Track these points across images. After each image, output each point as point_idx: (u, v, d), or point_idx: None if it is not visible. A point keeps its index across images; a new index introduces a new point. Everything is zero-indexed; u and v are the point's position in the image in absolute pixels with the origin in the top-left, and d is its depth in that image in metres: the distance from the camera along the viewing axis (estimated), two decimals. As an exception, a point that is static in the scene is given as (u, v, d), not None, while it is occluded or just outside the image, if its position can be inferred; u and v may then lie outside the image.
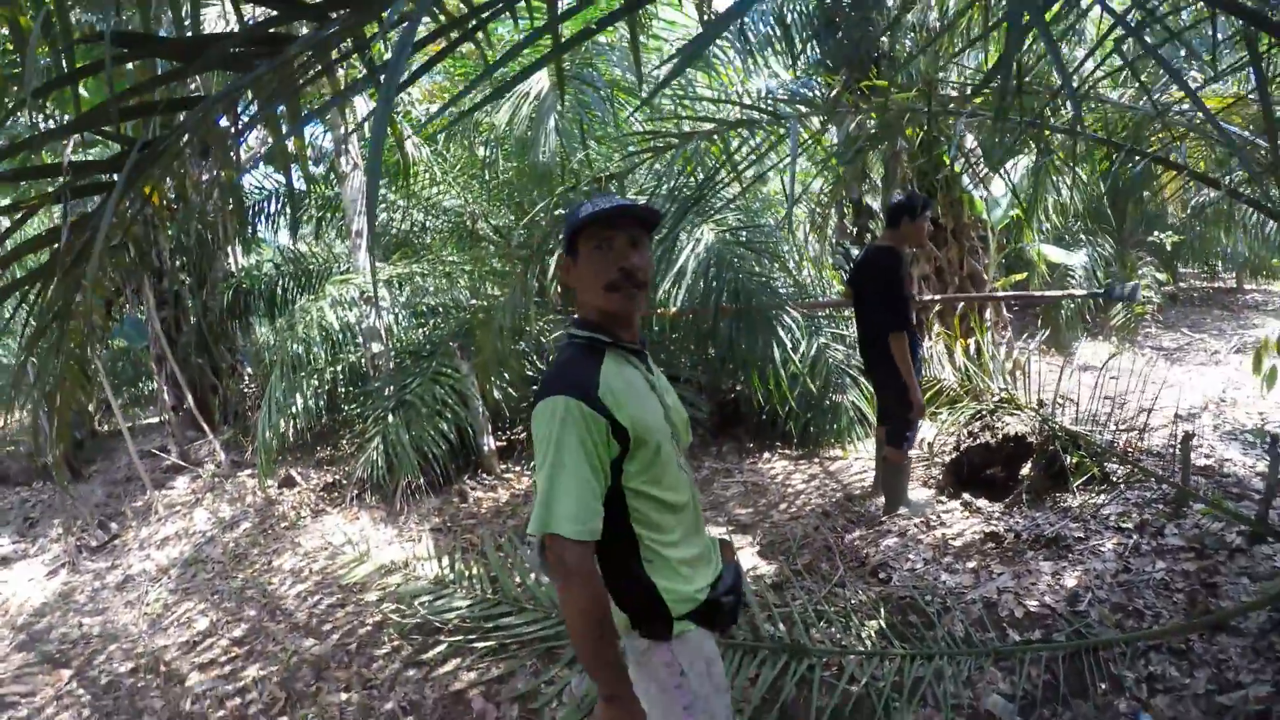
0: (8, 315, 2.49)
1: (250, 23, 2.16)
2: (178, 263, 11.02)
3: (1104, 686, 3.29)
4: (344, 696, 4.38)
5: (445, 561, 5.56)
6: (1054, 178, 7.10)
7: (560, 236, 2.09)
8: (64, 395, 3.74)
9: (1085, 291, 10.29)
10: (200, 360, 10.98)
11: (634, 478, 1.98)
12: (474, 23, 1.84)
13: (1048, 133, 4.16)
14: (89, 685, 5.14)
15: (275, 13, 2.00)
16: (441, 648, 4.61)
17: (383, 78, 1.42)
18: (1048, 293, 10.05)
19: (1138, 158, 3.90)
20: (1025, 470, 5.46)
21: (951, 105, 4.53)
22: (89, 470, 10.58)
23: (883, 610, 4.15)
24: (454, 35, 1.89)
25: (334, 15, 1.95)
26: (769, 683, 3.66)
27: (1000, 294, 8.16)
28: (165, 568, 6.94)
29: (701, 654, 2.07)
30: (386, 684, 4.42)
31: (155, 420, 12.47)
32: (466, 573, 5.33)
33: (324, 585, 5.97)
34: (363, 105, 8.46)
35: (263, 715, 4.37)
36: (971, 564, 4.54)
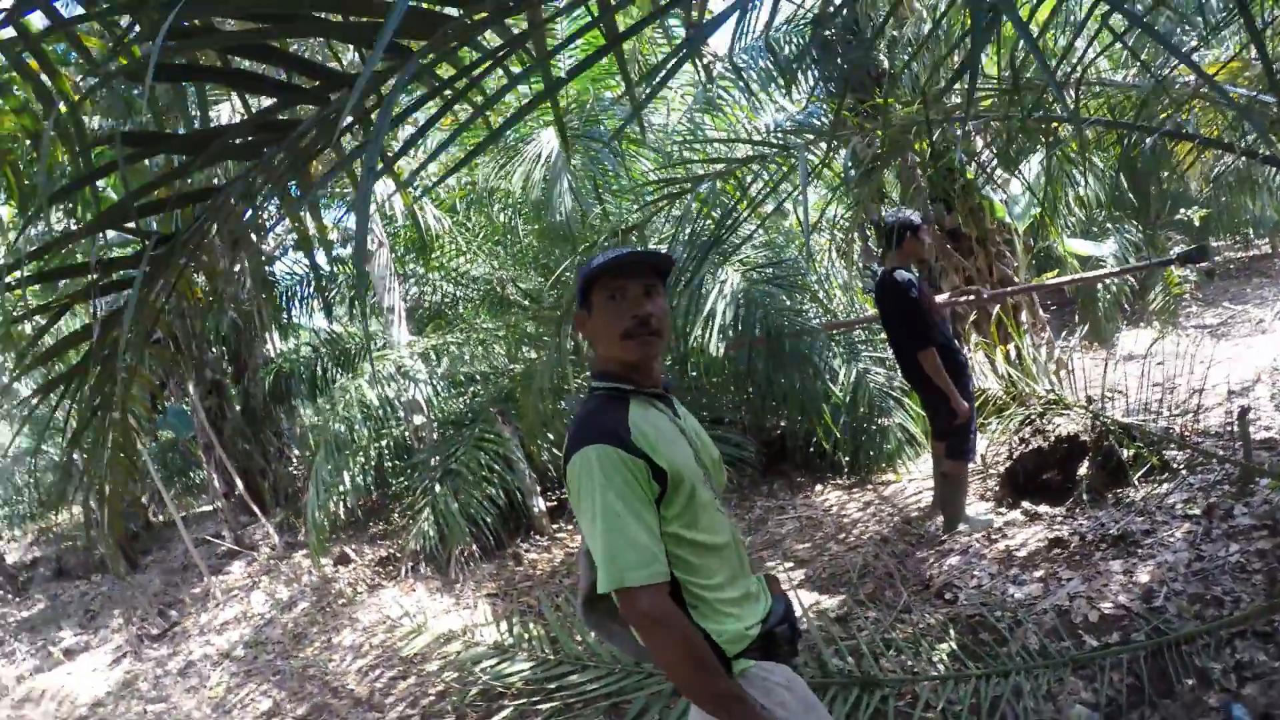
0: (51, 412, 2.52)
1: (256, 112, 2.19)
2: (217, 352, 11.22)
3: (1190, 682, 3.16)
4: (410, 769, 4.35)
5: (504, 625, 5.52)
6: (1069, 170, 7.03)
7: (578, 288, 2.06)
8: (113, 487, 3.78)
9: (1151, 261, 10.14)
10: (247, 446, 11.15)
11: (672, 522, 1.93)
12: (466, 81, 1.84)
13: (1054, 124, 4.12)
14: None
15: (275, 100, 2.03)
16: (506, 712, 4.54)
17: (371, 142, 1.42)
18: (1103, 271, 9.81)
19: (1149, 135, 3.84)
20: (1082, 470, 5.34)
21: (956, 113, 4.49)
22: (146, 561, 10.73)
23: (952, 631, 4.05)
24: (448, 94, 1.90)
25: (332, 97, 1.97)
26: (841, 718, 3.57)
27: (1057, 280, 7.98)
28: (226, 652, 6.98)
29: (773, 682, 1.98)
30: (453, 753, 4.37)
31: (208, 508, 12.63)
32: (526, 635, 5.28)
33: (384, 659, 5.96)
34: (381, 186, 8.57)
35: (329, 792, 4.36)
36: (1039, 573, 4.43)
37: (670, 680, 1.89)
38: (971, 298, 6.42)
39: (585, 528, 1.87)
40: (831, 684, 3.79)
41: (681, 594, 1.95)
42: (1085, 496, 5.15)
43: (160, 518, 12.91)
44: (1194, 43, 6.03)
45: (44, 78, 2.46)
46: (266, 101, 2.07)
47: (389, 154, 2.19)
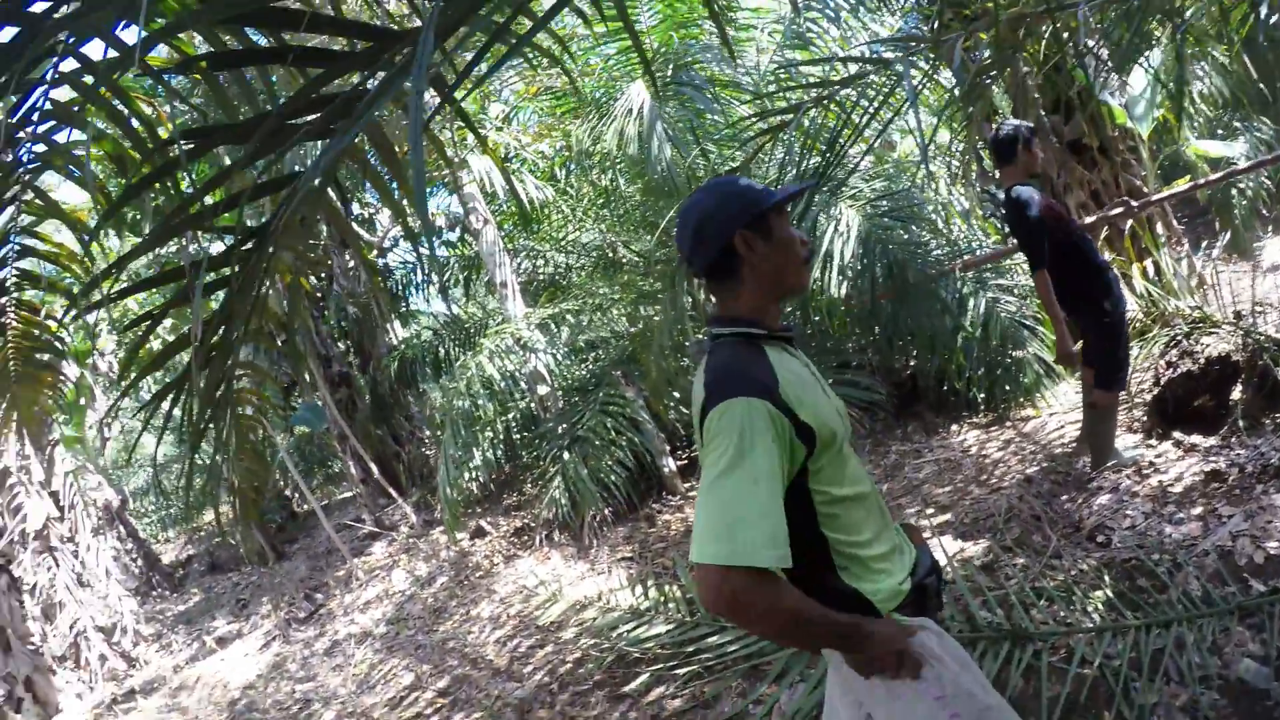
0: (166, 418, 2.54)
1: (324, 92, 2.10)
2: (342, 346, 11.53)
3: (1375, 628, 2.88)
4: (550, 735, 4.35)
5: (639, 590, 5.50)
6: (1196, 63, 6.49)
7: (738, 211, 1.85)
8: (244, 481, 3.86)
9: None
10: (379, 432, 11.45)
11: (819, 479, 1.78)
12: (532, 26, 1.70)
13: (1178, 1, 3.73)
14: None
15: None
16: (644, 677, 4.50)
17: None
18: (1248, 164, 9.03)
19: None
20: (1236, 394, 4.92)
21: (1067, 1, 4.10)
22: (291, 549, 11.16)
23: (1107, 578, 3.79)
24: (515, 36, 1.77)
25: (387, 56, 1.85)
26: (993, 676, 3.37)
27: (1201, 181, 7.37)
28: (369, 630, 7.17)
29: (934, 644, 1.84)
30: (592, 719, 4.35)
31: (348, 494, 13.07)
32: (662, 598, 5.24)
33: (522, 628, 6.02)
34: (478, 163, 8.56)
35: (468, 761, 4.40)
36: (1197, 510, 4.10)
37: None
38: (1121, 210, 6.03)
39: (704, 486, 1.66)
40: (980, 638, 3.61)
41: (831, 555, 1.81)
42: (1241, 423, 4.72)
43: (304, 507, 13.41)
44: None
45: (116, 104, 2.45)
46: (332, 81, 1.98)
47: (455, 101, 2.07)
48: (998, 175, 5.02)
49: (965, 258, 7.26)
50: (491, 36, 1.77)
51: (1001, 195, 4.98)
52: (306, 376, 11.08)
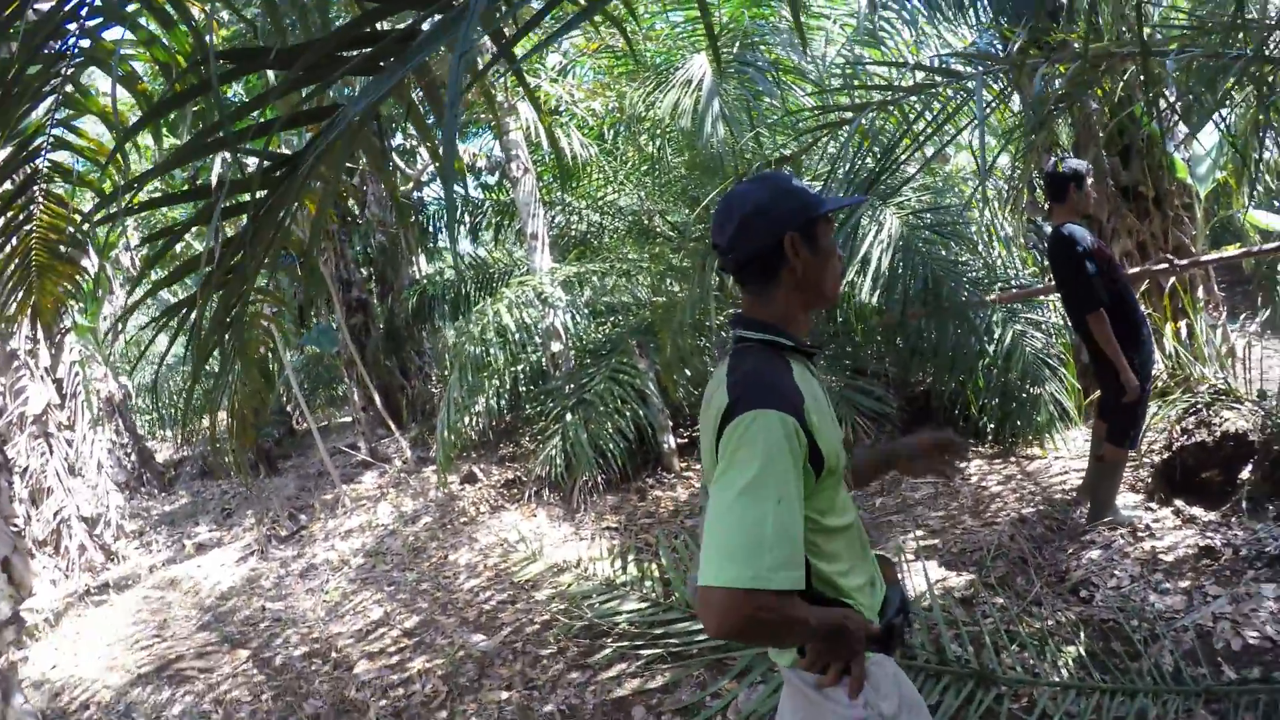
0: (177, 329, 2.51)
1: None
2: (365, 272, 11.51)
3: (1330, 738, 2.81)
4: (504, 695, 4.37)
5: (619, 563, 5.50)
6: (1271, 129, 6.33)
7: (790, 211, 1.77)
8: (244, 404, 3.84)
9: None
10: (389, 363, 11.45)
11: (812, 505, 1.70)
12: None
13: (1268, 68, 3.61)
14: (263, 666, 5.37)
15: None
16: (607, 652, 4.52)
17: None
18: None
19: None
20: (1245, 474, 4.84)
21: (1155, 47, 3.98)
22: (285, 465, 11.19)
23: (1082, 634, 3.74)
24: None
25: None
26: (950, 712, 3.35)
27: (1255, 250, 7.22)
28: (346, 558, 7.19)
29: (886, 678, 1.82)
30: (548, 685, 4.37)
31: (348, 419, 13.09)
32: (640, 574, 5.25)
33: (496, 581, 6.03)
34: (527, 111, 8.48)
35: (422, 707, 4.40)
36: (1184, 583, 4.04)
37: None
38: (1164, 266, 5.92)
39: (723, 501, 1.57)
40: (947, 672, 3.59)
41: (812, 581, 1.73)
42: (1245, 504, 4.64)
43: (304, 426, 13.46)
44: None
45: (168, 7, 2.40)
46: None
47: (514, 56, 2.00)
48: (1047, 209, 4.93)
49: (1005, 291, 7.16)
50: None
51: (1048, 229, 4.89)
52: (326, 300, 11.12)
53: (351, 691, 4.74)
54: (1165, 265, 5.89)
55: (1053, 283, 5.13)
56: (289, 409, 13.23)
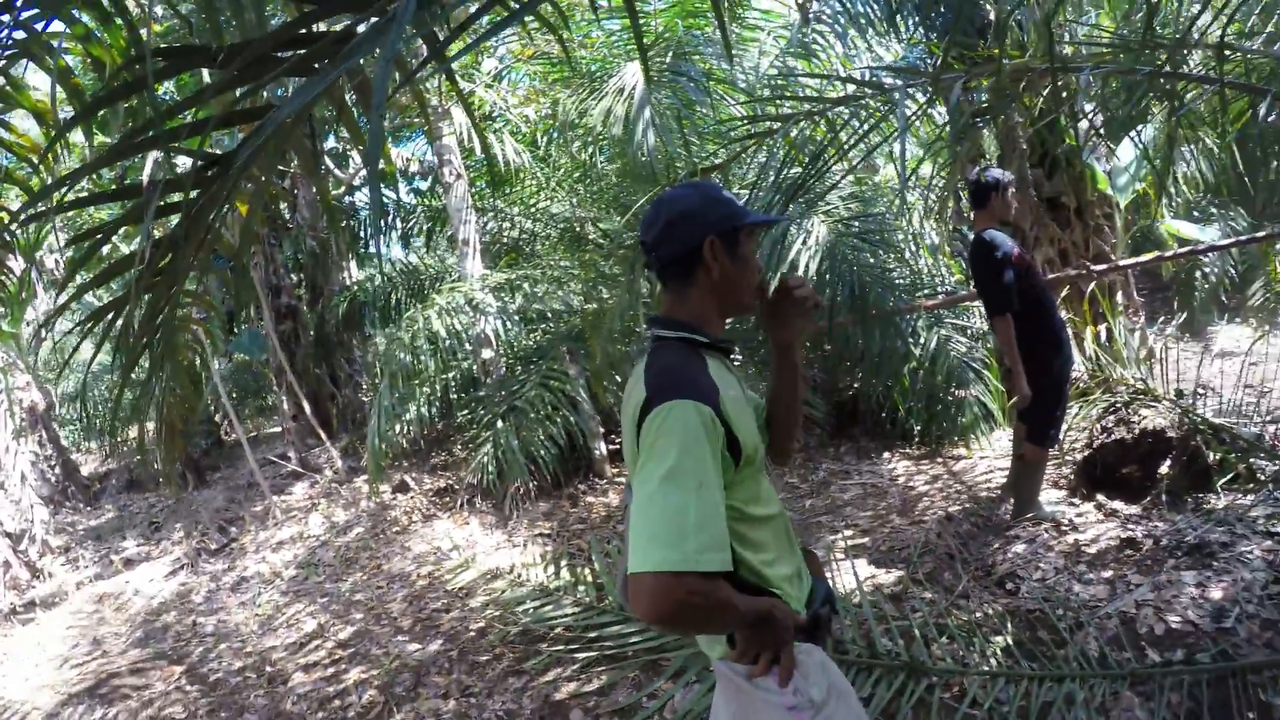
0: (105, 332, 2.45)
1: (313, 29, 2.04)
2: (294, 278, 11.33)
3: (1253, 716, 2.92)
4: (442, 703, 4.35)
5: (551, 569, 5.50)
6: (1185, 145, 6.58)
7: (717, 218, 1.83)
8: (172, 411, 3.76)
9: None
10: (319, 371, 11.28)
11: (734, 494, 1.77)
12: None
13: (1181, 84, 3.76)
14: (197, 681, 5.27)
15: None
16: (543, 656, 4.53)
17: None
18: (1209, 244, 9.19)
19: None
20: (1164, 469, 5.01)
21: (1071, 63, 4.13)
22: (214, 477, 10.96)
23: (1009, 625, 3.84)
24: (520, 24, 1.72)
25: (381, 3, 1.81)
26: (883, 704, 3.41)
27: (1163, 255, 7.46)
28: (278, 570, 7.08)
29: (814, 666, 1.87)
30: (485, 691, 4.36)
31: (277, 430, 12.87)
32: (573, 579, 5.27)
33: (430, 590, 6.00)
34: (460, 116, 8.46)
35: (360, 718, 4.36)
36: (1107, 574, 4.16)
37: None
38: (1079, 273, 6.10)
39: (646, 490, 1.62)
40: (878, 665, 3.66)
41: (739, 570, 1.80)
42: (1164, 498, 4.84)
43: (232, 435, 13.20)
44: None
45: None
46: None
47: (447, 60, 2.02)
48: (971, 217, 5.05)
49: (928, 300, 7.29)
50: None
51: (971, 236, 5.01)
52: (253, 307, 10.93)
53: (288, 704, 4.68)
54: (1082, 272, 6.07)
55: (975, 289, 5.26)
56: (216, 418, 12.96)
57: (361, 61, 1.87)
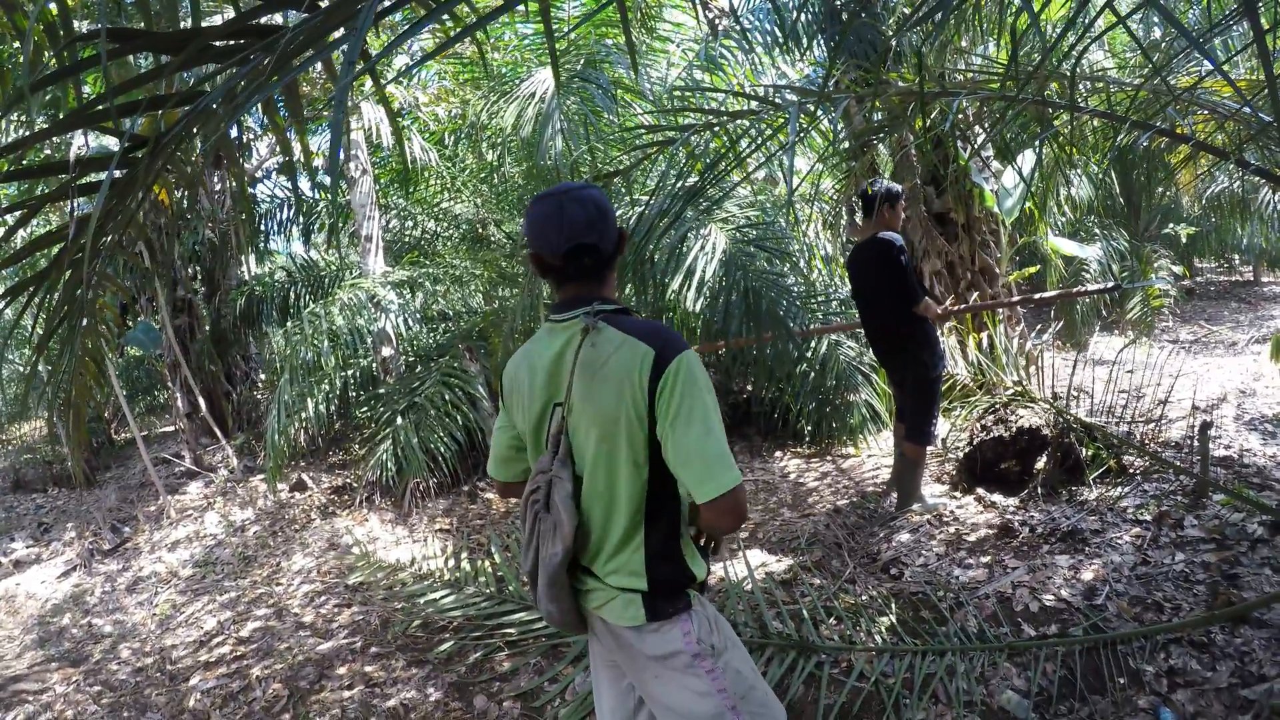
0: (17, 318, 2.45)
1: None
2: (191, 270, 11.07)
3: (1123, 681, 3.18)
4: (346, 694, 4.35)
5: (452, 561, 5.55)
6: (1064, 165, 6.98)
7: (607, 226, 2.01)
8: (80, 395, 3.71)
9: (1099, 286, 10.15)
10: (214, 367, 11.04)
11: None
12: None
13: (1051, 111, 4.06)
14: (98, 682, 5.13)
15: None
16: (446, 646, 4.58)
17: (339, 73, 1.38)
18: (1067, 290, 9.86)
19: (1143, 130, 3.79)
20: (1040, 464, 5.37)
21: (956, 88, 4.41)
22: (104, 477, 10.63)
23: (894, 606, 4.07)
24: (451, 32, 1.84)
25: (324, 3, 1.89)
26: (776, 680, 3.58)
27: (1015, 299, 7.93)
28: (175, 570, 6.94)
29: (712, 616, 2.08)
30: (389, 682, 4.38)
31: (170, 428, 12.53)
32: (473, 572, 5.32)
33: (331, 586, 5.96)
34: (370, 111, 8.45)
35: (264, 713, 4.33)
36: (985, 559, 4.45)
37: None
38: (959, 306, 6.49)
39: (695, 431, 1.84)
40: (769, 645, 3.82)
41: (678, 520, 2.04)
42: (1040, 490, 5.19)
43: (122, 435, 12.83)
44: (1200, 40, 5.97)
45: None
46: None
47: (370, 57, 2.11)
48: (860, 225, 5.32)
49: (816, 327, 7.53)
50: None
51: (856, 250, 5.27)
52: (149, 299, 10.65)
53: (191, 702, 4.61)
54: (959, 307, 6.47)
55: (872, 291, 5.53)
56: (105, 415, 12.54)
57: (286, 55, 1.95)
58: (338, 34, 1.93)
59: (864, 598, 4.25)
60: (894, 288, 4.96)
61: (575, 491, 1.98)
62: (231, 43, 2.03)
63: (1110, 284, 7.45)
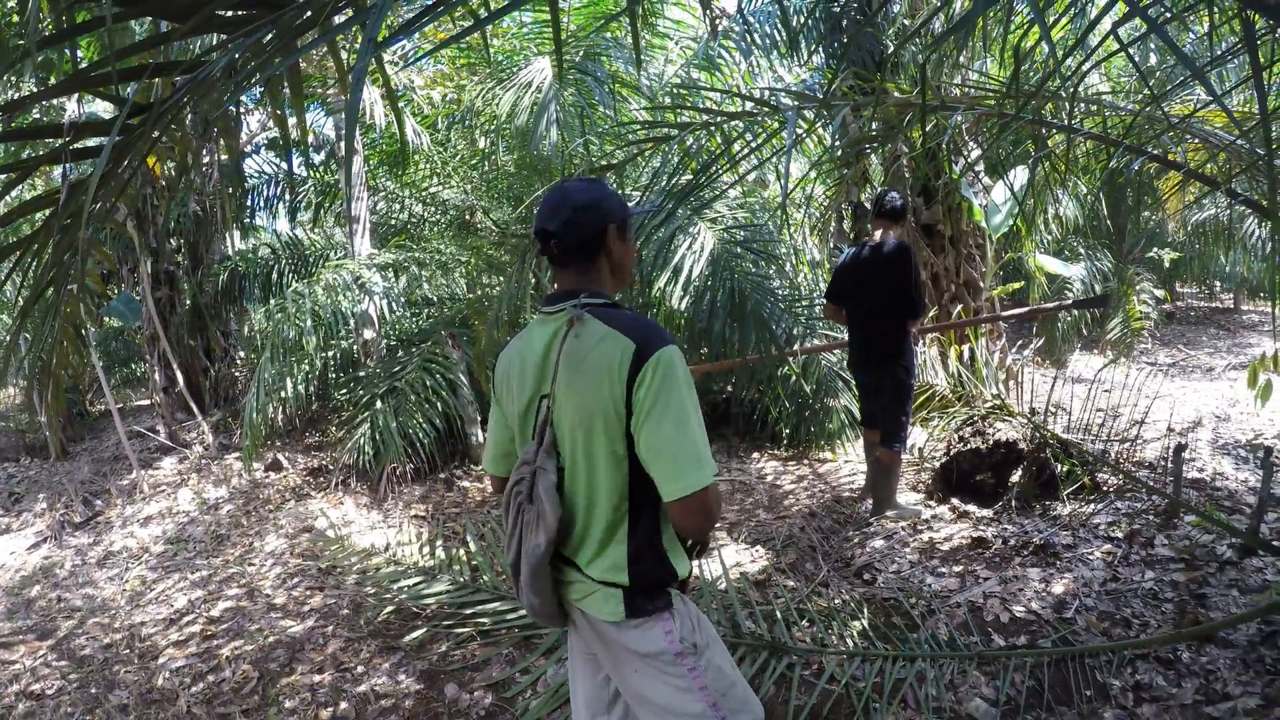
0: (1, 283, 2.43)
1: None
2: (174, 244, 10.97)
3: (1089, 694, 3.23)
4: (317, 678, 4.33)
5: (427, 549, 5.53)
6: (1053, 188, 7.07)
7: (612, 209, 2.08)
8: (59, 361, 3.67)
9: (1054, 304, 10.26)
10: (193, 342, 10.96)
11: None
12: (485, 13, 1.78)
13: (1045, 130, 4.10)
14: (65, 657, 5.08)
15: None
16: (418, 633, 4.56)
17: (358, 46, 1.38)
18: (1045, 305, 9.99)
19: (1136, 155, 3.84)
20: (1015, 477, 5.42)
21: (954, 102, 4.45)
22: (77, 449, 10.53)
23: (866, 611, 4.12)
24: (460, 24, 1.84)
25: None
26: (747, 680, 3.59)
27: (1000, 314, 8.03)
28: (147, 545, 6.88)
29: (693, 614, 2.10)
30: (360, 666, 4.37)
31: (146, 402, 12.43)
32: (448, 560, 5.31)
33: (304, 568, 5.93)
34: (365, 93, 8.40)
35: (234, 694, 4.31)
36: (958, 568, 4.51)
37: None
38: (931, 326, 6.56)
39: (668, 427, 1.85)
40: (742, 644, 3.84)
41: (658, 516, 2.02)
42: (1014, 503, 5.26)
43: (97, 407, 12.69)
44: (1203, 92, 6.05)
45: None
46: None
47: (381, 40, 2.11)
48: (872, 229, 5.36)
49: (800, 347, 7.55)
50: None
51: (872, 248, 5.27)
52: (130, 270, 10.55)
53: (160, 680, 4.57)
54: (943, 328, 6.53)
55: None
56: (81, 386, 12.41)
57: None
58: (348, 14, 1.94)
59: (837, 601, 4.30)
60: (901, 294, 5.01)
61: (559, 483, 1.99)
62: (239, 13, 2.03)
63: (1069, 300, 7.49)
